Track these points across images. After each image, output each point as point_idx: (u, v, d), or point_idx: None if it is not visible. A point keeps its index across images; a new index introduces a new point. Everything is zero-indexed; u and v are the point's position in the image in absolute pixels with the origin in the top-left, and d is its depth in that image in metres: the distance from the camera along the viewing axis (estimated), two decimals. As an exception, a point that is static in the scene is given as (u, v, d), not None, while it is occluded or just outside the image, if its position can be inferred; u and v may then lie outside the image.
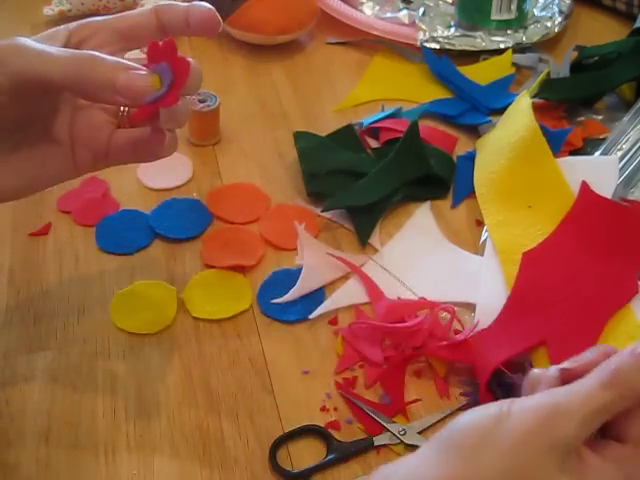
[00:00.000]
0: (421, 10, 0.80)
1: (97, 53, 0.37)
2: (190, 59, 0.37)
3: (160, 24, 0.40)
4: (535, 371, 0.33)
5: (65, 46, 0.38)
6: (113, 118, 0.42)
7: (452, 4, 0.81)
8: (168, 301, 0.50)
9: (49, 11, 0.81)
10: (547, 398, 0.30)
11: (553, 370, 0.32)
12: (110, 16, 0.40)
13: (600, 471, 0.29)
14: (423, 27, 0.77)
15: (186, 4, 0.40)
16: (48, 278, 0.52)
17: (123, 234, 0.55)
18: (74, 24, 0.40)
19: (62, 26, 0.40)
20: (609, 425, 0.30)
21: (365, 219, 0.56)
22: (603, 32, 0.79)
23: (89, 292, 0.51)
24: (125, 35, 0.40)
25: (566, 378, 0.32)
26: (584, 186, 0.54)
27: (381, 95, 0.71)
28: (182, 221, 0.56)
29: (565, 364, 0.33)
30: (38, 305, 0.50)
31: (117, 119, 0.42)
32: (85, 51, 0.37)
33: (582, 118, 0.66)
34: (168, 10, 0.40)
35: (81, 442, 0.43)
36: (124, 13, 0.41)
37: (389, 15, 0.80)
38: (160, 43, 0.37)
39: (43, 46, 0.36)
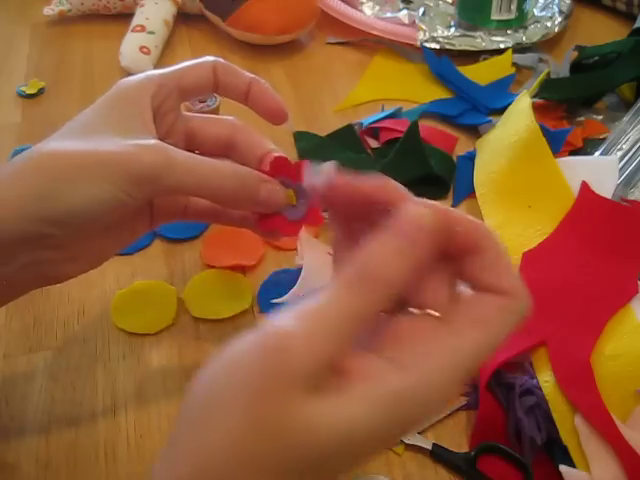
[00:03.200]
0: (421, 10, 0.80)
1: (241, 167, 0.38)
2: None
3: (217, 83, 0.40)
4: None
5: (153, 111, 0.38)
6: None
7: (452, 4, 0.81)
8: (168, 301, 0.50)
9: (49, 11, 0.81)
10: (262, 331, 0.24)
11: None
12: (172, 70, 0.40)
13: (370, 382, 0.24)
14: (423, 27, 0.77)
15: (251, 76, 0.40)
16: (48, 278, 0.52)
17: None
18: (152, 86, 0.38)
19: (144, 90, 0.38)
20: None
21: (365, 219, 0.56)
22: (603, 32, 0.79)
23: (89, 292, 0.51)
24: (187, 92, 0.40)
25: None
26: (584, 186, 0.54)
27: (381, 95, 0.71)
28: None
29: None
30: (38, 305, 0.50)
31: None
32: (231, 166, 0.38)
33: (582, 118, 0.66)
34: (230, 74, 0.40)
35: (81, 442, 0.43)
36: (184, 67, 0.40)
37: (389, 15, 0.80)
38: (292, 162, 0.39)
39: (191, 159, 0.36)
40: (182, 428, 0.25)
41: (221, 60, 0.40)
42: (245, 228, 0.44)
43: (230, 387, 0.24)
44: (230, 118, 0.42)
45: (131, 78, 0.38)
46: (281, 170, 0.39)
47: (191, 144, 0.42)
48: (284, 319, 0.24)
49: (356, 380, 0.24)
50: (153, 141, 0.35)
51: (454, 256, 0.28)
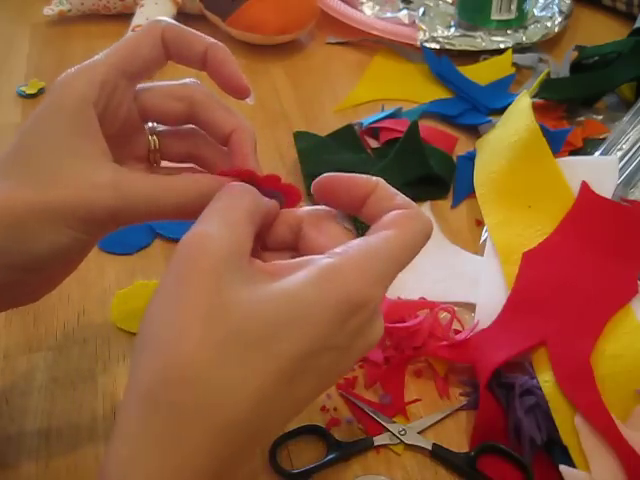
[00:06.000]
0: (421, 10, 0.80)
1: (204, 185, 0.35)
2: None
3: (168, 54, 0.36)
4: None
5: (99, 116, 0.34)
6: None
7: (452, 4, 0.81)
8: (168, 301, 0.50)
9: (49, 11, 0.81)
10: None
11: None
12: (116, 56, 0.35)
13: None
14: (423, 27, 0.77)
15: (209, 41, 0.36)
16: (48, 278, 0.52)
17: (123, 234, 0.55)
18: (93, 91, 0.34)
19: (85, 100, 0.34)
20: None
21: (365, 219, 0.56)
22: (603, 32, 0.80)
23: (89, 292, 0.51)
24: (136, 76, 0.36)
25: None
26: (584, 186, 0.54)
27: (381, 95, 0.71)
28: (182, 221, 0.56)
29: None
30: (38, 305, 0.50)
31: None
32: (193, 187, 0.35)
33: (582, 118, 0.66)
34: (183, 43, 0.36)
35: (81, 442, 0.42)
36: (129, 47, 0.36)
37: (389, 15, 0.80)
38: (260, 175, 0.36)
39: (150, 189, 0.34)
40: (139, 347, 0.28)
41: (172, 22, 0.36)
42: None
43: (163, 283, 0.28)
44: (187, 82, 0.37)
45: (67, 84, 0.34)
46: (248, 178, 0.35)
47: (147, 120, 0.38)
48: (197, 226, 0.29)
49: (288, 268, 0.29)
50: (107, 176, 0.33)
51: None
